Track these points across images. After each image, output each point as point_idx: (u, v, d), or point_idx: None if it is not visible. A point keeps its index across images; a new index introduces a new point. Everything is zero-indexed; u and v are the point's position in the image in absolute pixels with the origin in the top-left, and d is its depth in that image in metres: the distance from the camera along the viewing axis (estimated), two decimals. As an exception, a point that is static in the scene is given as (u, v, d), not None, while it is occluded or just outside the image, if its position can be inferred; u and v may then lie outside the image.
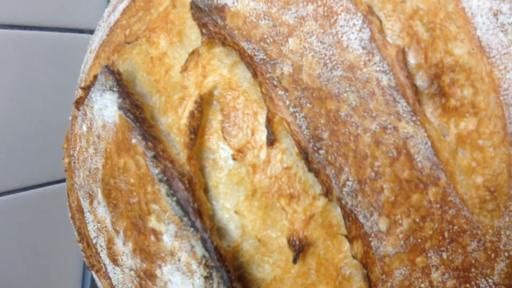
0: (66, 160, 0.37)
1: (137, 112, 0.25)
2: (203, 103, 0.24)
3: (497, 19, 0.23)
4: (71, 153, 0.35)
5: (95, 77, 0.29)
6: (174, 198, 0.23)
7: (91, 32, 0.66)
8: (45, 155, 0.58)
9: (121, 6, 0.33)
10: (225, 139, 0.24)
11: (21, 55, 0.55)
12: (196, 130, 0.24)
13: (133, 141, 0.26)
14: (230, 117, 0.24)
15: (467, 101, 0.22)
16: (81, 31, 0.64)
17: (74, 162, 0.34)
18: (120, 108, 0.25)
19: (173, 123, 0.25)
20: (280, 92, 0.23)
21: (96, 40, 0.35)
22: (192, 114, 0.24)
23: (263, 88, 0.23)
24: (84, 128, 0.32)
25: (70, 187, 0.37)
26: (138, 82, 0.28)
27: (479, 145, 0.22)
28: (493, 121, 0.22)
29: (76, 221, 0.36)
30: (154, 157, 0.24)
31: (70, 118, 0.37)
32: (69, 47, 0.62)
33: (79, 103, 0.32)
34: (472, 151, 0.22)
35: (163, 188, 0.23)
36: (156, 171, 0.24)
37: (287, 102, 0.23)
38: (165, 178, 0.23)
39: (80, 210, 0.34)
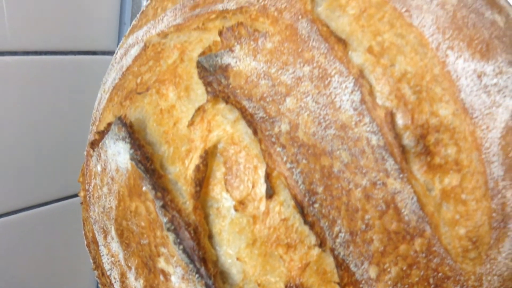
0: (82, 194, 0.39)
1: (147, 163, 0.27)
2: (208, 157, 0.26)
3: (481, 80, 0.25)
4: (87, 187, 0.38)
5: (109, 124, 0.31)
6: (181, 246, 0.25)
7: (104, 53, 0.68)
8: (61, 171, 0.60)
9: (133, 51, 0.35)
10: (227, 190, 0.26)
11: (38, 79, 0.58)
12: (201, 182, 0.26)
13: (144, 188, 0.28)
14: (233, 170, 0.26)
15: (451, 159, 0.24)
16: (94, 53, 0.67)
17: (89, 197, 0.37)
18: (132, 159, 0.28)
19: (180, 173, 0.27)
20: (278, 149, 0.25)
21: (109, 80, 0.38)
22: (197, 168, 0.26)
23: (262, 144, 0.25)
24: (99, 168, 0.34)
25: (86, 219, 0.39)
26: (148, 131, 0.30)
27: (462, 199, 0.24)
28: (475, 177, 0.24)
29: (92, 251, 0.39)
30: (163, 206, 0.26)
31: (85, 152, 0.40)
32: (82, 69, 0.65)
33: (94, 144, 0.34)
34: (456, 205, 0.24)
35: (171, 236, 0.26)
36: (165, 219, 0.26)
37: (285, 158, 0.25)
38: (172, 227, 0.25)
39: (95, 242, 0.37)
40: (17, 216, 0.57)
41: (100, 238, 0.35)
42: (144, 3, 0.74)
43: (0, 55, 0.54)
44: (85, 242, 0.41)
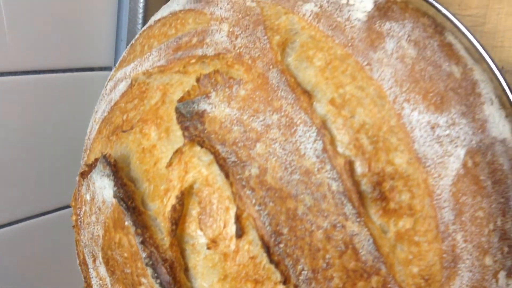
0: (74, 218, 0.41)
1: (129, 201, 0.29)
2: (184, 197, 0.28)
3: (434, 131, 0.27)
4: (78, 212, 0.40)
5: (96, 160, 0.33)
6: (158, 281, 0.27)
7: (101, 69, 0.71)
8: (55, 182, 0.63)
9: (121, 87, 0.37)
10: (201, 229, 0.28)
11: (38, 98, 0.60)
12: (177, 221, 0.28)
13: (126, 223, 0.30)
14: (206, 210, 0.28)
15: (405, 204, 0.26)
16: (92, 69, 0.69)
17: (80, 222, 0.39)
18: (114, 196, 0.30)
19: (159, 210, 0.29)
20: (248, 192, 0.27)
21: (99, 111, 0.40)
22: (174, 208, 0.28)
23: (233, 187, 0.27)
24: (88, 197, 0.36)
25: (78, 240, 0.41)
26: (132, 167, 0.32)
27: (415, 241, 0.26)
28: (427, 221, 0.26)
29: (83, 270, 0.41)
30: (142, 242, 0.28)
31: (77, 177, 0.42)
32: (81, 85, 0.67)
33: (83, 175, 0.36)
34: (409, 246, 0.26)
35: (149, 270, 0.28)
36: (144, 255, 0.28)
37: (254, 201, 0.27)
38: (150, 262, 0.28)
39: (85, 264, 0.39)
40: (17, 226, 0.60)
41: (89, 261, 0.38)
42: (140, 21, 0.76)
43: (1, 76, 0.56)
44: (77, 261, 0.43)
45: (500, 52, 0.46)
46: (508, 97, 0.31)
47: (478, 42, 0.32)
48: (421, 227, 0.26)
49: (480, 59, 0.30)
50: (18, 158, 0.57)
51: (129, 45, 0.42)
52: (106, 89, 0.41)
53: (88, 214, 0.37)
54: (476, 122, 0.27)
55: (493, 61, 0.32)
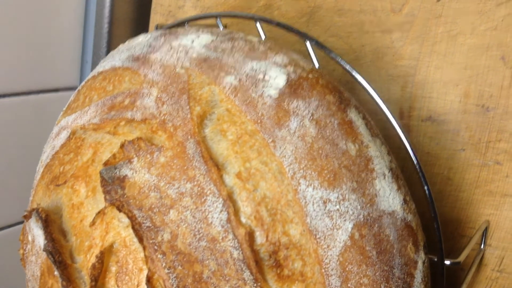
0: (21, 252, 0.44)
1: (56, 256, 0.32)
2: (103, 256, 0.31)
3: (326, 206, 0.30)
4: (24, 247, 0.43)
5: (33, 209, 0.36)
6: (77, 332, 0.30)
7: (66, 89, 0.73)
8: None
9: (62, 136, 0.40)
10: (118, 285, 0.31)
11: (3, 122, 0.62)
12: (97, 278, 0.31)
13: (55, 273, 0.33)
14: (123, 269, 0.31)
15: (297, 271, 0.29)
16: (56, 90, 0.72)
17: (26, 257, 0.42)
18: (44, 249, 0.33)
19: (83, 264, 0.32)
20: (159, 256, 0.30)
21: (45, 154, 0.42)
22: (93, 266, 0.31)
23: (146, 251, 0.30)
24: (30, 238, 0.39)
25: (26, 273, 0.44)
26: (64, 219, 0.35)
27: (306, 303, 0.30)
28: (317, 286, 0.29)
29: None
30: (66, 295, 0.31)
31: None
32: (45, 107, 0.69)
33: (26, 217, 0.39)
34: (301, 308, 0.30)
35: (71, 322, 0.31)
36: (67, 307, 0.31)
37: (164, 264, 0.30)
38: (72, 315, 0.31)
39: (28, 298, 0.42)
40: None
41: (30, 298, 0.40)
42: (104, 45, 0.78)
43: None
44: (25, 290, 0.46)
45: (429, 102, 0.49)
46: (408, 150, 0.34)
47: (376, 93, 0.36)
48: (311, 292, 0.30)
49: (377, 134, 0.33)
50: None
51: (76, 90, 0.44)
52: (53, 133, 0.44)
53: (30, 253, 0.39)
54: (366, 197, 0.30)
55: (387, 106, 0.35)
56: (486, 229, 0.45)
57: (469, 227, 0.47)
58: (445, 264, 0.35)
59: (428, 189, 0.35)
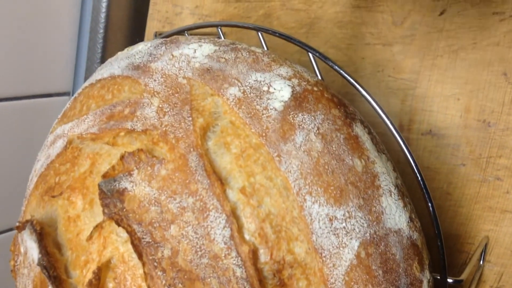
0: (12, 263, 0.43)
1: (51, 270, 0.31)
2: (100, 273, 0.30)
3: (332, 224, 0.29)
4: (15, 259, 0.41)
5: (27, 221, 0.35)
6: None
7: (59, 94, 0.72)
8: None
9: (58, 145, 0.39)
10: (116, 303, 0.30)
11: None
12: (94, 294, 0.30)
13: (49, 287, 0.32)
14: (121, 286, 0.30)
15: (301, 290, 0.29)
16: (49, 95, 0.70)
17: (17, 269, 0.41)
18: (38, 264, 0.31)
19: (79, 279, 0.31)
20: (159, 273, 0.29)
21: (39, 163, 0.41)
22: (90, 282, 0.30)
23: (145, 268, 0.29)
24: (22, 250, 0.38)
25: (16, 286, 0.43)
26: (59, 232, 0.34)
27: (310, 324, 0.29)
28: (322, 306, 0.29)
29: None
30: (60, 312, 0.30)
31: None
32: (39, 111, 0.68)
33: (19, 229, 0.38)
34: (305, 328, 0.29)
35: None
36: (61, 324, 0.30)
37: (164, 282, 0.29)
38: (66, 333, 0.30)
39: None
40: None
41: (20, 312, 0.39)
42: (99, 50, 0.77)
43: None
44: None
45: (429, 116, 0.49)
46: (411, 165, 0.34)
47: (379, 106, 0.35)
48: (315, 312, 0.29)
49: (383, 149, 0.33)
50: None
51: (73, 97, 0.43)
52: (47, 141, 0.43)
53: (22, 265, 0.38)
54: (372, 214, 0.30)
55: (390, 121, 0.35)
56: (485, 245, 0.45)
57: (468, 242, 0.47)
58: (448, 282, 0.35)
59: (432, 206, 0.34)
